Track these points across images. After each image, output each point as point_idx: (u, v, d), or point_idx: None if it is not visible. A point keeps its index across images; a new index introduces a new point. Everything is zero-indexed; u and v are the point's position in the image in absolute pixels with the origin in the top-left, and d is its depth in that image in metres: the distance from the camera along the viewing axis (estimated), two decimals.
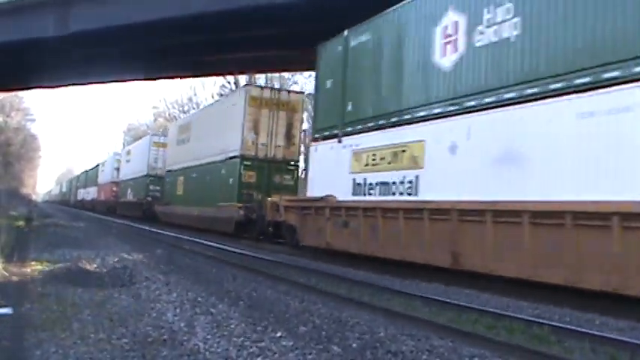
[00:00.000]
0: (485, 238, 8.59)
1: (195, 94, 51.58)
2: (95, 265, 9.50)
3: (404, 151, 10.54)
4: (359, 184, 11.75)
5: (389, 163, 10.95)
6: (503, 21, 8.74)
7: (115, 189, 39.25)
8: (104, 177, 44.85)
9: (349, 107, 12.39)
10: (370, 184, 11.44)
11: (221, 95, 41.07)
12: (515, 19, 8.51)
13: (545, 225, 7.70)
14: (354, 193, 11.84)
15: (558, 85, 7.73)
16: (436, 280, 9.54)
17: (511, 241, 8.16)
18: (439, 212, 9.56)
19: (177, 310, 6.18)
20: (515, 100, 8.37)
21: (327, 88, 13.43)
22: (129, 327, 5.30)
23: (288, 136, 18.89)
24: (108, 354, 4.42)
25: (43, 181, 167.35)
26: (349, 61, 12.62)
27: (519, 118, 8.26)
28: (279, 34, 19.91)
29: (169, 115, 56.31)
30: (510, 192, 8.27)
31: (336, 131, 12.75)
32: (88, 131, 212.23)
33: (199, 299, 6.90)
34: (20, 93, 55.30)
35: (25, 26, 21.66)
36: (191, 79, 44.85)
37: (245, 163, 18.25)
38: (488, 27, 9.05)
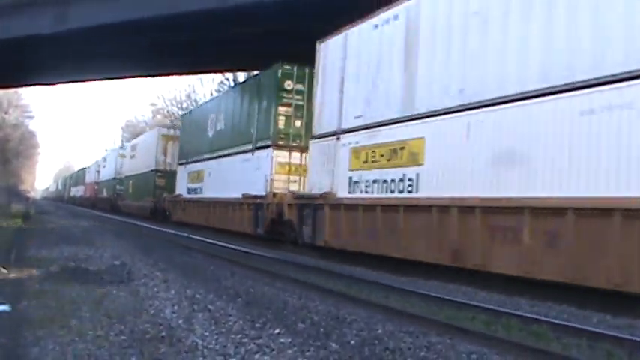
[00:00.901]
0: (215, 212, 19.96)
1: (193, 91, 51.45)
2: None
3: (201, 174, 22.13)
4: (189, 189, 23.49)
5: (196, 178, 22.69)
6: (220, 120, 20.66)
7: (96, 188, 49.32)
8: (89, 178, 54.70)
9: (189, 148, 24.36)
10: (192, 189, 23.14)
11: (218, 92, 41.54)
12: (223, 121, 20.36)
13: (225, 207, 19.02)
14: (188, 193, 23.62)
15: (233, 151, 18.79)
16: (434, 277, 9.55)
17: (218, 214, 19.63)
18: (205, 202, 21.33)
19: (176, 307, 6.18)
20: (224, 155, 19.64)
21: (182, 137, 26.44)
22: (127, 324, 5.29)
23: None
24: (106, 351, 4.42)
25: (42, 178, 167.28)
26: (191, 124, 25.33)
27: (225, 162, 19.63)
28: (279, 31, 19.88)
29: (167, 112, 56.21)
30: (222, 193, 19.17)
31: (184, 161, 24.68)
32: (86, 128, 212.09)
33: (197, 296, 6.90)
34: (19, 89, 55.17)
35: (24, 23, 21.63)
36: (189, 75, 44.75)
37: (158, 174, 29.19)
38: (219, 122, 20.88)
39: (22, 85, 41.26)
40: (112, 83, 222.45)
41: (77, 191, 63.56)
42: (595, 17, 7.37)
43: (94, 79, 31.76)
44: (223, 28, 20.22)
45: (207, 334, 5.05)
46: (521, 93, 8.20)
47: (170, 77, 48.46)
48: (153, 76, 32.75)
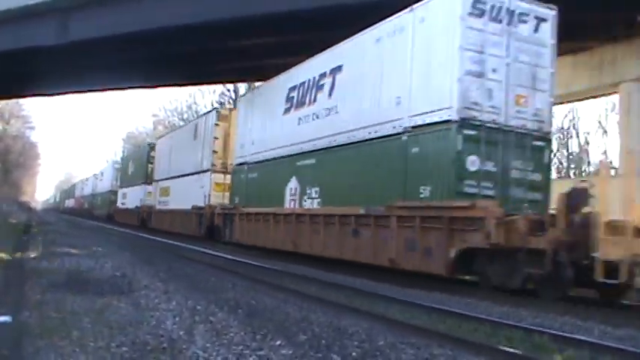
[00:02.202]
0: (127, 213, 36.50)
1: (194, 102, 51.85)
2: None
3: (126, 194, 37.71)
4: (121, 202, 39.00)
5: (124, 197, 38.07)
6: (132, 167, 36.70)
7: (81, 200, 64.46)
8: (77, 192, 70.86)
9: (122, 179, 39.97)
10: (122, 202, 38.66)
11: (220, 103, 42.03)
12: (133, 167, 36.12)
13: (128, 211, 36.40)
14: (121, 205, 38.68)
15: (135, 183, 34.72)
16: (436, 289, 9.53)
17: (128, 214, 36.26)
18: (126, 209, 36.87)
19: (177, 319, 6.16)
20: (131, 185, 36.21)
21: (120, 171, 41.40)
22: (128, 335, 5.28)
23: None
24: None
25: (43, 189, 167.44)
26: (124, 164, 40.45)
27: (131, 189, 36.00)
28: (279, 43, 20.00)
29: (169, 122, 56.49)
30: (130, 205, 35.82)
31: (120, 186, 39.92)
32: (87, 139, 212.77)
33: (198, 307, 6.88)
34: (20, 100, 55.44)
35: (26, 35, 21.74)
36: (191, 87, 45.01)
37: (112, 192, 42.94)
38: (132, 168, 36.58)
39: (23, 96, 41.49)
40: (114, 94, 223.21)
41: (69, 203, 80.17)
42: (193, 154, 24.00)
43: (96, 90, 31.92)
44: (225, 40, 20.33)
45: (208, 345, 5.04)
46: (182, 175, 24.54)
47: (171, 88, 48.85)
48: (154, 87, 32.94)
